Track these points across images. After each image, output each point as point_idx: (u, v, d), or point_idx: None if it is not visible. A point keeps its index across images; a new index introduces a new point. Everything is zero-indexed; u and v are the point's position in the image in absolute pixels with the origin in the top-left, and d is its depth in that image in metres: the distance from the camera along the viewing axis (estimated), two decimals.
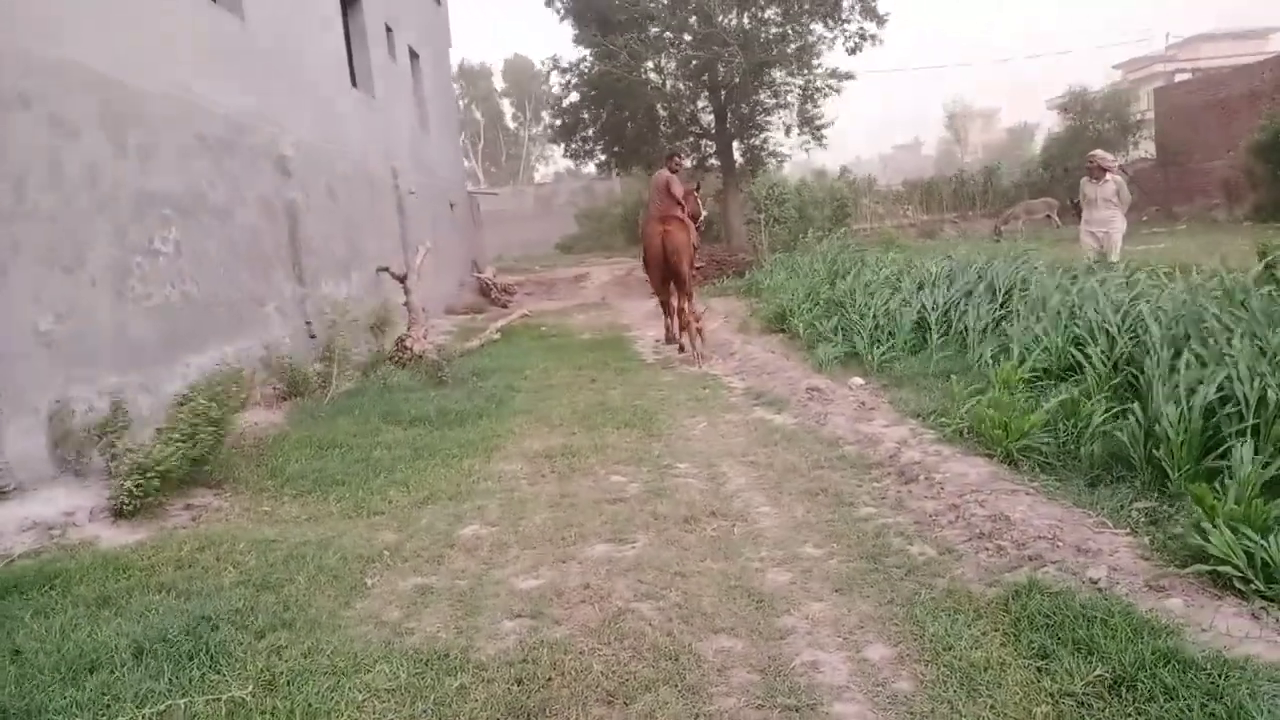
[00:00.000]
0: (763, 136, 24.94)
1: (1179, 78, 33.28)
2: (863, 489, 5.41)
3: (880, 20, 22.49)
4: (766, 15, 22.87)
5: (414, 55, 19.61)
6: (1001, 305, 8.65)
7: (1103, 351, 6.14)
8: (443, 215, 21.08)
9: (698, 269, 12.07)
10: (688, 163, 26.33)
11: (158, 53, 7.89)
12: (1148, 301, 6.70)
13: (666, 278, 11.29)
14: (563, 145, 26.06)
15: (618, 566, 4.44)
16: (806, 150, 24.57)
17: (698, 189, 12.67)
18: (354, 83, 14.69)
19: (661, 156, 15.04)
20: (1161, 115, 28.33)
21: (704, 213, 12.73)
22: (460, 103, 43.14)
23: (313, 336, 10.48)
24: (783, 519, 5.00)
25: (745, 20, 22.62)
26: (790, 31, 22.70)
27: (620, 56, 21.30)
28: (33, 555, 4.87)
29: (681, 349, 11.41)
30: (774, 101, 24.20)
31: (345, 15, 14.43)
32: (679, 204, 11.21)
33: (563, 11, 23.86)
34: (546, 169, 64.62)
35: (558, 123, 25.80)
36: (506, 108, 62.79)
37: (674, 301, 11.43)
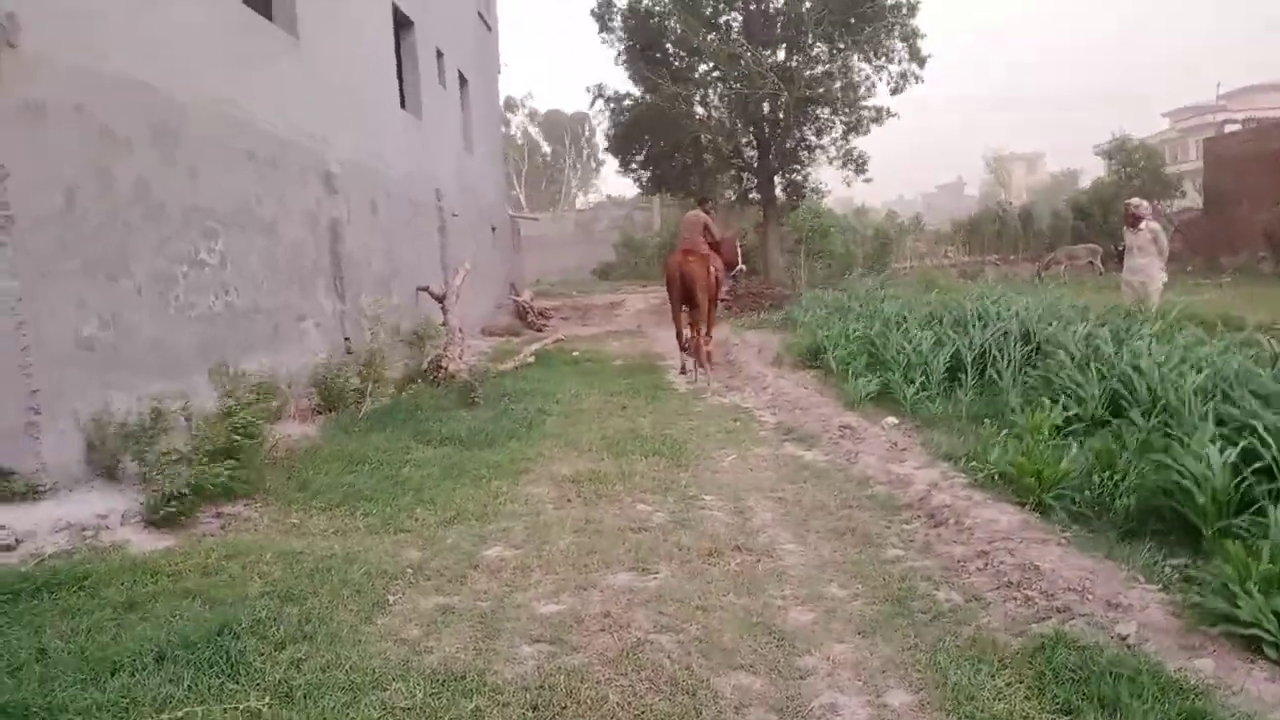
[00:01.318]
0: (805, 172, 24.95)
1: (1229, 128, 32.92)
2: (891, 530, 5.35)
3: (923, 61, 22.49)
4: (814, 53, 22.96)
5: (463, 80, 19.90)
6: (1037, 350, 8.56)
7: (1139, 404, 6.04)
8: (483, 237, 21.29)
9: (724, 300, 13.13)
10: (730, 194, 26.48)
11: (210, 68, 8.07)
12: (1184, 358, 6.60)
13: (681, 304, 12.12)
14: (619, 159, 26.11)
15: (639, 596, 4.42)
16: (848, 184, 24.49)
17: (742, 239, 14.44)
18: (403, 104, 14.92)
19: (697, 198, 16.56)
20: (1210, 165, 28.04)
21: (741, 265, 13.91)
22: (504, 129, 43.66)
23: (350, 352, 10.59)
24: (808, 557, 4.96)
25: (793, 59, 22.72)
26: (835, 70, 22.76)
27: (665, 90, 21.47)
28: (64, 556, 4.94)
29: (683, 370, 12.34)
30: (816, 140, 24.23)
31: (397, 37, 14.69)
32: (705, 242, 12.34)
33: (616, 46, 24.11)
34: (587, 198, 65.21)
35: (611, 133, 25.88)
36: (545, 146, 64.12)
37: (688, 332, 12.16)
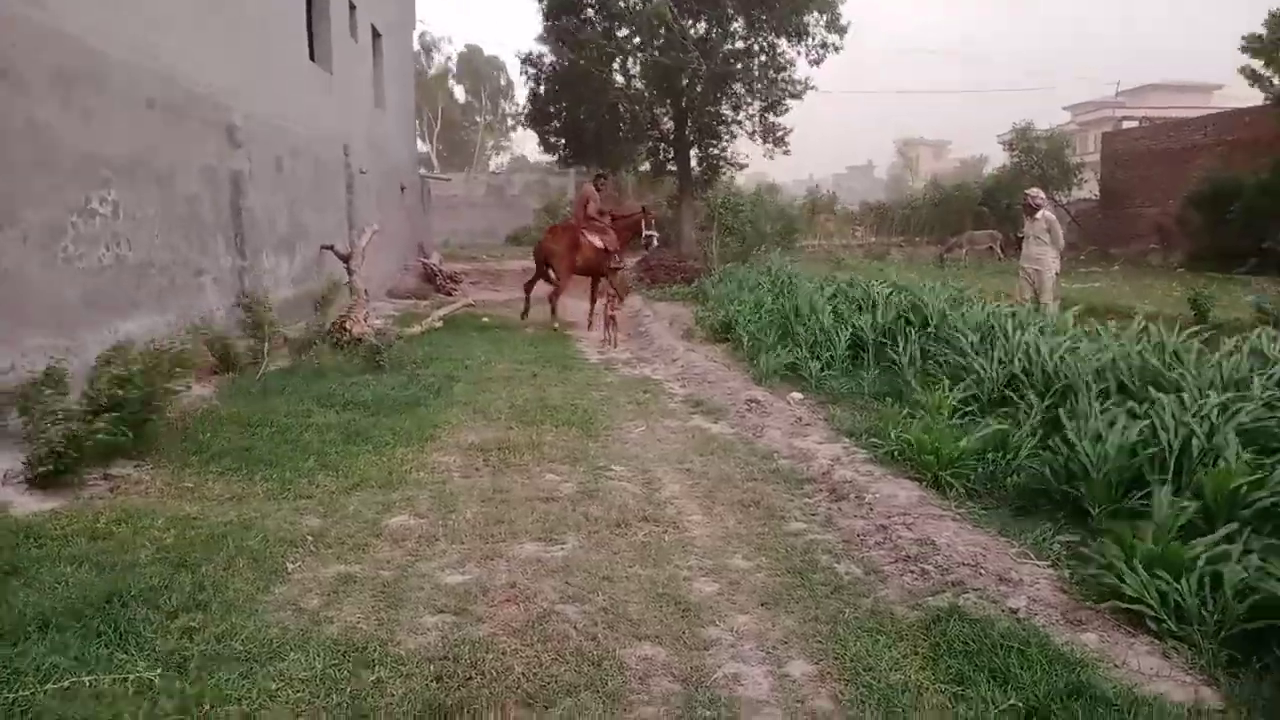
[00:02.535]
0: (721, 146, 25.04)
1: (1126, 124, 34.22)
2: (794, 504, 5.45)
3: (842, 31, 22.74)
4: (732, 28, 22.98)
5: (376, 34, 19.33)
6: (936, 331, 8.79)
7: (1034, 387, 6.27)
8: (392, 197, 20.80)
9: (618, 268, 14.35)
10: (644, 166, 26.44)
11: (113, 10, 7.65)
12: (1081, 341, 6.86)
13: (541, 271, 14.49)
14: (535, 133, 25.78)
15: (546, 567, 4.41)
16: (769, 156, 24.67)
17: (656, 210, 15.68)
18: (312, 57, 14.42)
19: (593, 174, 17.80)
20: (1107, 158, 29.14)
21: (650, 233, 14.82)
22: (418, 83, 42.55)
23: (248, 310, 10.25)
24: (714, 528, 5.02)
25: (712, 33, 22.70)
26: (755, 47, 22.84)
27: (588, 52, 21.25)
28: None
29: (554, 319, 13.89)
30: (733, 115, 24.32)
31: None
32: (587, 215, 14.29)
33: (541, 6, 23.68)
34: (500, 158, 64.06)
35: (527, 109, 25.57)
36: (460, 94, 62.11)
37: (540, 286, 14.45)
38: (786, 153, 24.44)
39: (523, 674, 3.34)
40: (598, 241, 13.99)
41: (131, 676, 3.14)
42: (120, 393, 5.81)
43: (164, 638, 3.45)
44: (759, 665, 3.49)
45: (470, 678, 3.30)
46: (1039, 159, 28.83)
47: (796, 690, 3.30)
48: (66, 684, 3.06)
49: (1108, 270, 22.01)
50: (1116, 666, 3.29)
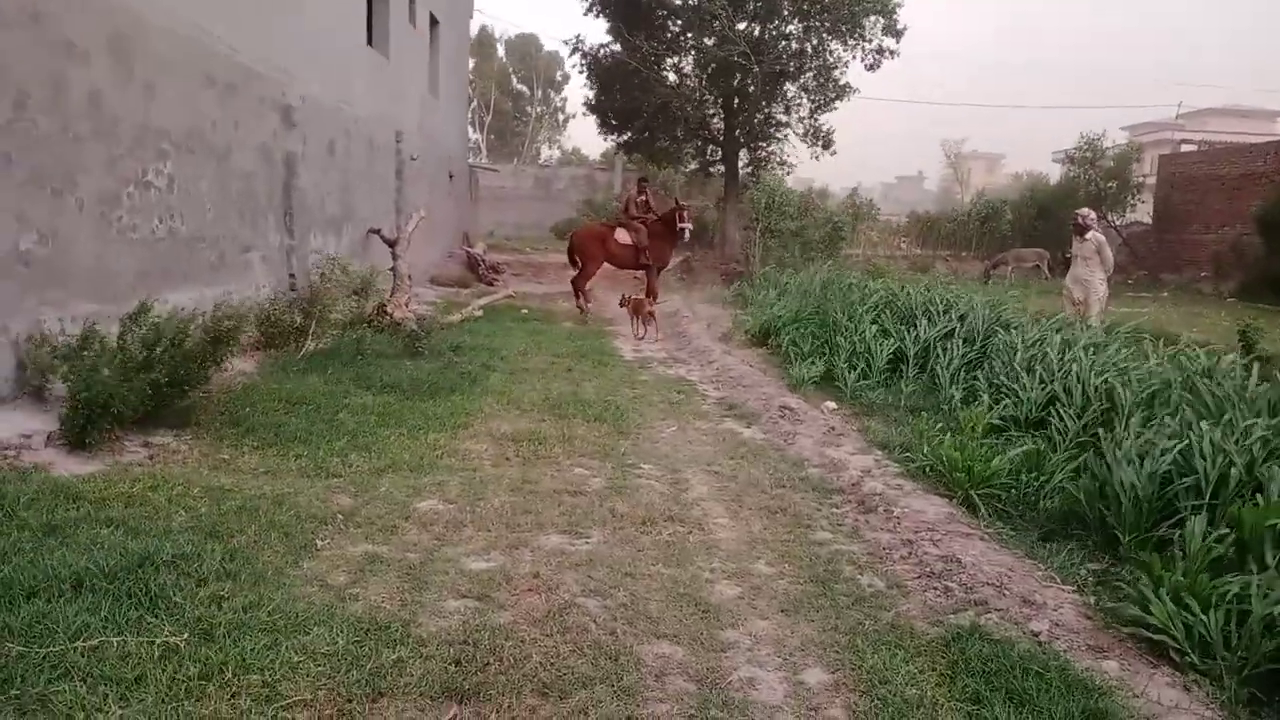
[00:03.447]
0: (769, 149, 24.96)
1: (1185, 148, 33.56)
2: (821, 513, 5.43)
3: (898, 35, 22.58)
4: (788, 30, 22.89)
5: (434, 21, 19.50)
6: (979, 349, 8.71)
7: (1073, 409, 6.19)
8: (440, 184, 20.99)
9: (644, 266, 15.79)
10: (692, 166, 26.42)
11: None
12: (1127, 365, 6.77)
13: (574, 264, 15.96)
14: (597, 119, 25.80)
15: (570, 559, 4.44)
16: (816, 158, 24.58)
17: (677, 204, 16.17)
18: (370, 42, 14.59)
19: (638, 177, 19.22)
20: (1163, 181, 28.59)
21: (685, 225, 15.51)
22: (471, 74, 42.80)
23: (294, 289, 10.41)
24: (739, 532, 5.02)
25: (766, 33, 22.62)
26: (809, 49, 22.73)
27: (640, 46, 21.28)
28: None
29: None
30: (784, 117, 24.24)
31: None
32: (627, 216, 15.87)
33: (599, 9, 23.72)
34: (550, 151, 64.23)
35: (590, 96, 25.62)
36: (513, 83, 62.17)
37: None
38: (833, 154, 24.34)
39: (540, 663, 3.37)
40: (627, 239, 15.33)
41: (158, 640, 3.21)
42: (150, 354, 5.91)
43: (192, 604, 3.52)
44: (775, 671, 3.49)
45: (488, 664, 3.34)
46: (1099, 175, 28.20)
47: (811, 698, 3.30)
48: (96, 643, 3.14)
49: (1157, 296, 21.63)
50: (1135, 696, 3.25)
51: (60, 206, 6.30)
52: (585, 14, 23.85)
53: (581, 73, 25.11)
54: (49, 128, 6.11)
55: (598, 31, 25.46)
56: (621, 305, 13.89)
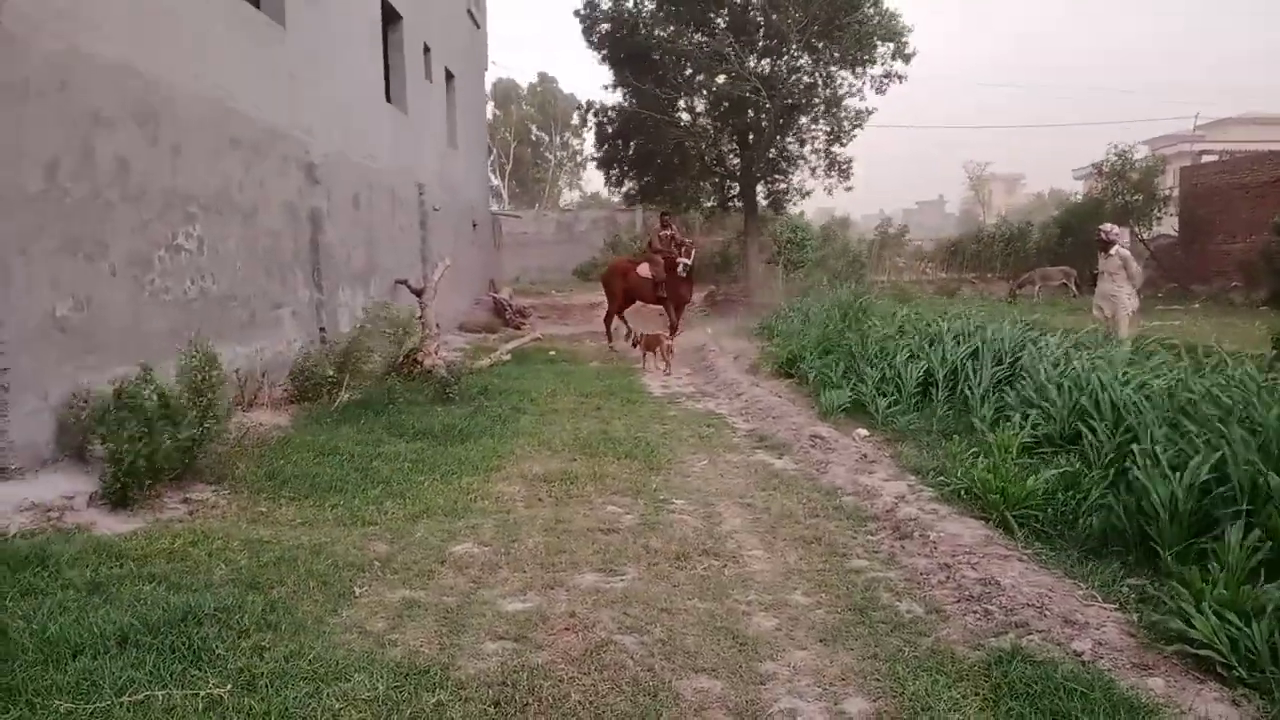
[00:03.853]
0: (787, 181, 25.10)
1: (1206, 159, 33.30)
2: (857, 541, 5.40)
3: (907, 58, 22.69)
4: (799, 63, 23.09)
5: (449, 75, 19.87)
6: (1009, 368, 8.66)
7: (1106, 425, 6.13)
8: (464, 233, 21.26)
9: (662, 300, 16.01)
10: (711, 202, 26.62)
11: (197, 54, 8.04)
12: (1157, 378, 6.70)
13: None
14: (604, 174, 26.33)
15: (605, 597, 4.44)
16: (829, 191, 24.69)
17: (676, 241, 16.01)
18: (389, 98, 14.89)
19: (660, 212, 19.45)
20: (1186, 193, 28.38)
21: (683, 260, 15.51)
22: (490, 120, 43.38)
23: (325, 342, 10.56)
24: (774, 564, 5.00)
25: (777, 68, 22.84)
26: (819, 81, 22.91)
27: (651, 94, 21.56)
28: (27, 536, 4.91)
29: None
30: (799, 150, 24.38)
31: (385, 31, 14.67)
32: (649, 252, 16.24)
33: (601, 54, 24.11)
34: (570, 194, 64.83)
35: (597, 155, 26.14)
36: (533, 130, 62.89)
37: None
38: (849, 188, 24.45)
39: (579, 702, 3.37)
40: (647, 273, 15.74)
41: (203, 692, 3.25)
42: (166, 411, 6.00)
43: (235, 656, 3.56)
44: (815, 701, 3.47)
45: (528, 704, 3.35)
46: (1125, 188, 28.00)
47: None
48: (142, 697, 3.19)
49: (1188, 308, 21.41)
50: (1183, 713, 3.19)
51: (93, 272, 6.46)
52: (600, 63, 24.25)
53: (591, 130, 25.64)
54: (79, 195, 6.29)
55: (608, 78, 26.07)
56: (635, 344, 14.01)
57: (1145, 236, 28.36)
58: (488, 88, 32.68)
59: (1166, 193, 29.19)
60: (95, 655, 3.47)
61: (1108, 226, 12.03)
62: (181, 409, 6.09)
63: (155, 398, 6.09)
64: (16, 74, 5.70)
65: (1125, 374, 6.75)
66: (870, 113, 23.44)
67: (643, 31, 22.86)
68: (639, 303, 16.48)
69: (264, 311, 9.35)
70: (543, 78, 60.88)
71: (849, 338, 11.45)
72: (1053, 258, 28.09)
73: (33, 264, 5.82)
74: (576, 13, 23.88)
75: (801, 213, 26.74)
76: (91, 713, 3.08)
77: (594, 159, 26.51)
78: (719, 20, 22.92)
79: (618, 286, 16.03)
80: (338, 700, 3.29)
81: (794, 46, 22.38)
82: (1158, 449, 5.04)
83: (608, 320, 16.30)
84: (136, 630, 3.66)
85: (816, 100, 22.92)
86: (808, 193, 25.70)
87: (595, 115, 25.28)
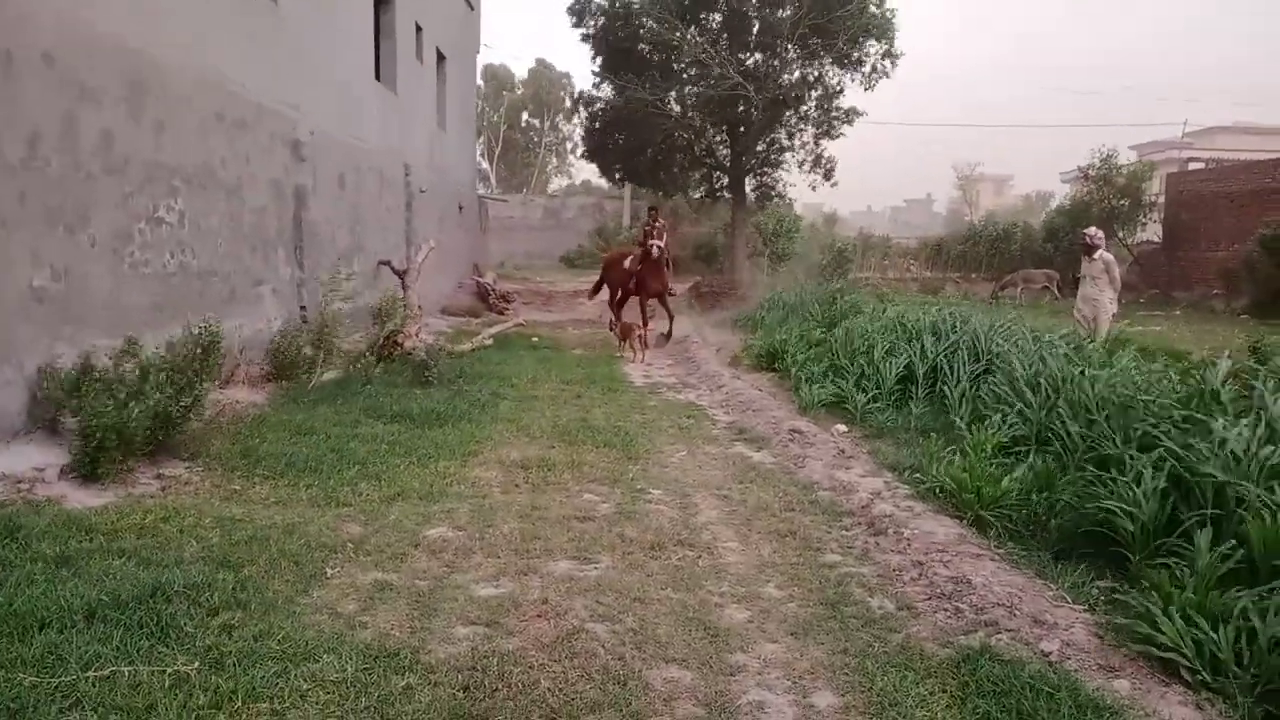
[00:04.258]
0: (776, 174, 25.11)
1: (1192, 166, 33.49)
2: (831, 536, 5.42)
3: (895, 58, 22.76)
4: (789, 57, 23.07)
5: (441, 56, 19.74)
6: (985, 369, 8.69)
7: (1080, 429, 6.16)
8: (450, 216, 21.15)
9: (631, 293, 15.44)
10: (699, 192, 26.62)
11: (186, 28, 7.95)
12: (1128, 380, 6.73)
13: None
14: (595, 164, 26.29)
15: (578, 585, 4.44)
16: (814, 188, 24.71)
17: (660, 234, 15.26)
18: (378, 77, 14.77)
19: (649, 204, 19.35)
20: (1171, 200, 28.52)
21: (653, 242, 14.77)
22: (481, 105, 43.21)
23: (305, 321, 10.49)
24: (748, 556, 5.01)
25: (770, 64, 22.82)
26: (810, 78, 22.93)
27: (642, 89, 21.52)
28: None
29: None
30: (788, 143, 24.39)
31: (377, 10, 14.54)
32: (638, 243, 15.63)
33: (592, 45, 24.04)
34: (560, 181, 64.54)
35: (581, 149, 26.23)
36: (526, 116, 62.50)
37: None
38: (833, 185, 24.47)
39: (549, 689, 3.37)
40: (626, 263, 15.29)
41: (170, 669, 3.24)
42: (144, 386, 5.96)
43: (203, 634, 3.55)
44: (784, 694, 3.48)
45: (497, 689, 3.34)
46: (1111, 193, 28.10)
47: None
48: (108, 672, 3.17)
49: (1169, 314, 21.55)
50: (1147, 715, 3.22)
51: (73, 244, 6.39)
52: (593, 59, 24.16)
53: (581, 123, 25.64)
54: (61, 167, 6.22)
55: (593, 74, 26.22)
56: (611, 329, 14.23)
57: (1130, 242, 28.50)
58: (479, 70, 32.49)
59: (1152, 199, 29.32)
60: (62, 629, 3.45)
61: (1091, 230, 12.08)
62: (159, 383, 6.04)
63: (136, 371, 6.04)
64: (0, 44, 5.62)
65: (1096, 374, 6.77)
66: (860, 114, 23.48)
67: (634, 24, 22.79)
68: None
69: (244, 288, 9.28)
70: (540, 63, 60.56)
71: (831, 333, 11.47)
72: (1036, 260, 28.21)
73: (11, 235, 5.75)
74: (569, 9, 23.75)
75: (791, 203, 26.73)
76: (56, 686, 3.06)
77: (583, 152, 26.45)
78: (714, 16, 22.89)
79: (609, 277, 15.89)
80: (306, 681, 3.27)
81: (786, 42, 22.36)
82: (1125, 453, 5.07)
83: (612, 310, 15.82)
84: (104, 605, 3.64)
85: (807, 96, 22.91)
86: (792, 200, 25.80)
87: (585, 106, 25.22)
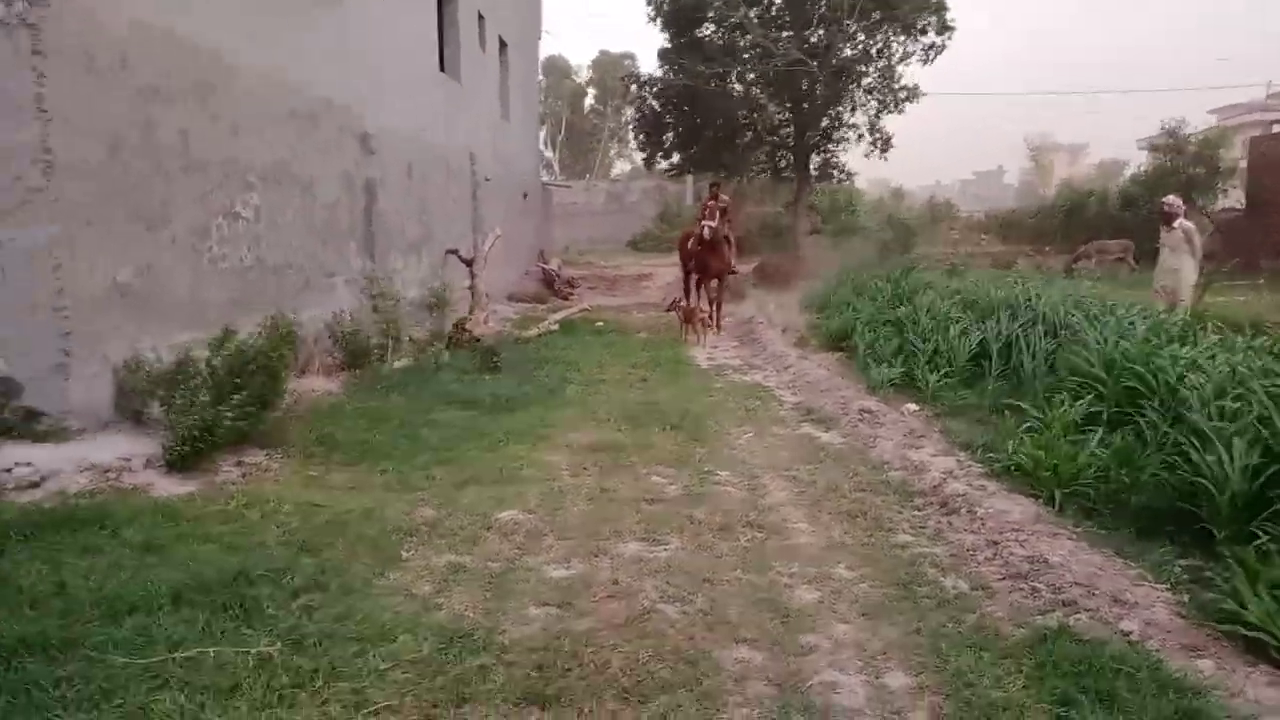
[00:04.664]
0: (839, 149, 24.85)
1: (1276, 128, 32.15)
2: (903, 516, 5.36)
3: (949, 29, 22.47)
4: (851, 30, 22.80)
5: (503, 45, 19.85)
6: (1059, 345, 8.49)
7: (1160, 402, 5.98)
8: (515, 204, 21.31)
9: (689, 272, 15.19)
10: (763, 173, 26.45)
11: (254, 28, 8.11)
12: (1210, 357, 6.52)
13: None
14: (646, 152, 26.28)
15: (648, 566, 4.47)
16: (866, 156, 24.47)
17: (722, 211, 14.60)
18: (442, 68, 14.92)
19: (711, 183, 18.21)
20: (1254, 165, 27.40)
21: (706, 223, 14.04)
22: (543, 94, 43.36)
23: (376, 310, 10.68)
24: (818, 537, 4.98)
25: (833, 38, 22.57)
26: (872, 50, 22.71)
27: (710, 67, 21.47)
28: (87, 495, 5.07)
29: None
30: (851, 117, 24.15)
31: (439, 1, 14.67)
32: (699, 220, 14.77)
33: (660, 23, 24.01)
34: (622, 166, 64.54)
35: (640, 136, 26.13)
36: (589, 101, 62.50)
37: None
38: (885, 159, 24.32)
39: (620, 669, 3.40)
40: (690, 243, 14.89)
41: (253, 650, 3.34)
42: (239, 380, 6.12)
43: (285, 615, 3.66)
44: (856, 675, 3.46)
45: (570, 669, 3.38)
46: (1186, 161, 27.15)
47: (893, 701, 3.26)
48: (194, 653, 3.28)
49: (1253, 283, 20.76)
50: (1233, 696, 3.13)
51: (155, 240, 6.60)
52: (661, 31, 24.12)
53: (643, 101, 25.48)
54: (142, 167, 6.42)
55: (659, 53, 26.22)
56: (670, 310, 13.98)
57: (1209, 209, 27.49)
58: (541, 57, 32.58)
59: (1232, 164, 28.22)
60: (150, 612, 3.58)
61: (1170, 199, 11.67)
62: (248, 380, 6.20)
63: (224, 369, 6.20)
64: (80, 47, 5.81)
65: (1177, 351, 6.57)
66: (922, 94, 23.20)
67: (693, 10, 22.80)
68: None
69: (317, 280, 9.48)
70: (603, 53, 60.47)
71: (900, 310, 11.29)
72: (1113, 230, 27.38)
73: (97, 232, 5.97)
74: None
75: (852, 179, 26.43)
76: (145, 667, 3.18)
77: (636, 135, 26.43)
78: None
79: (681, 253, 15.45)
80: (384, 660, 3.36)
81: (846, 18, 22.10)
82: (1213, 429, 4.91)
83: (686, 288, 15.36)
84: (190, 589, 3.77)
85: (869, 69, 22.66)
86: (853, 174, 25.55)
87: (640, 88, 25.19)
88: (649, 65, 25.28)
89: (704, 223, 14.02)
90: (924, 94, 23.20)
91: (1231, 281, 20.81)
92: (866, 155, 24.48)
